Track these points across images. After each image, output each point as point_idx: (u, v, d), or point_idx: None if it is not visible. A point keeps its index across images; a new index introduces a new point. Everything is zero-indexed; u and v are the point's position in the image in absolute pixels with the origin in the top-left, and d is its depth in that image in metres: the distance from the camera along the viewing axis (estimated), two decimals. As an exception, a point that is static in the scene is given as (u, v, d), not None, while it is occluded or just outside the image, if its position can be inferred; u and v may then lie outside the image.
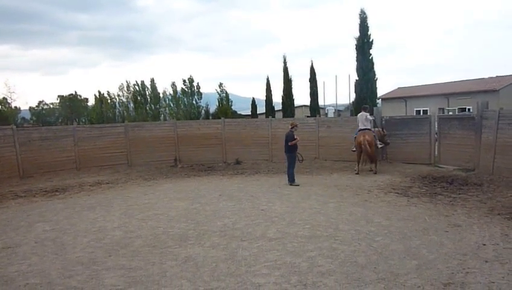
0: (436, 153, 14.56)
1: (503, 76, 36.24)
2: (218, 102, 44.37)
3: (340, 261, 5.44)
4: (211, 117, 39.50)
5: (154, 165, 16.06)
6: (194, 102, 43.54)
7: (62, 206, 9.67)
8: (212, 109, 44.10)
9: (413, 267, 5.12)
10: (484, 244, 5.89)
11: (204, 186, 11.90)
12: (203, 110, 43.31)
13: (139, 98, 44.87)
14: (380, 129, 14.39)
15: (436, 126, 14.66)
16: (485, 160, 11.95)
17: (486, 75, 43.46)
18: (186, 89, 43.34)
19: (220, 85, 44.55)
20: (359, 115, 13.71)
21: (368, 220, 7.44)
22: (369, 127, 13.35)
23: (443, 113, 30.35)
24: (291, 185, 11.40)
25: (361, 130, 13.24)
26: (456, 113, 29.33)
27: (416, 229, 6.80)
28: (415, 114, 33.45)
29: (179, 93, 43.81)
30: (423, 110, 35.78)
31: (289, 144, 11.61)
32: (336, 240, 6.35)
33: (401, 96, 41.63)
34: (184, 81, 43.43)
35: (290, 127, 11.95)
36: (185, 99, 43.65)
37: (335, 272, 5.06)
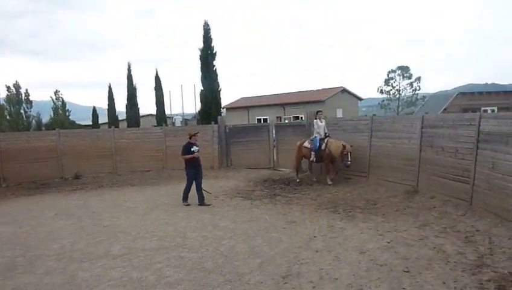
0: (275, 157, 15.88)
1: (327, 88, 42.29)
2: (53, 111, 40.08)
3: (188, 269, 5.45)
4: (44, 128, 35.35)
5: (-31, 186, 13.52)
6: (22, 111, 38.35)
7: None
8: (46, 118, 39.60)
9: (257, 265, 5.47)
10: (315, 237, 6.67)
11: (36, 205, 10.55)
12: (33, 121, 38.48)
13: None
14: (341, 144, 11.29)
15: (274, 133, 16.00)
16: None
17: (315, 87, 49.72)
18: (11, 97, 37.85)
19: (56, 92, 40.36)
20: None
21: (215, 225, 7.67)
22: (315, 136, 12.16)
23: (280, 121, 33.42)
24: (200, 205, 9.51)
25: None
26: (291, 121, 32.72)
27: (258, 229, 7.29)
28: (256, 122, 36.00)
29: (2, 102, 37.97)
30: (263, 119, 38.82)
31: (180, 157, 9.69)
32: (184, 248, 6.36)
33: (244, 106, 44.49)
34: (8, 87, 37.88)
35: (188, 138, 9.71)
36: (11, 108, 38.11)
37: (183, 281, 5.04)
